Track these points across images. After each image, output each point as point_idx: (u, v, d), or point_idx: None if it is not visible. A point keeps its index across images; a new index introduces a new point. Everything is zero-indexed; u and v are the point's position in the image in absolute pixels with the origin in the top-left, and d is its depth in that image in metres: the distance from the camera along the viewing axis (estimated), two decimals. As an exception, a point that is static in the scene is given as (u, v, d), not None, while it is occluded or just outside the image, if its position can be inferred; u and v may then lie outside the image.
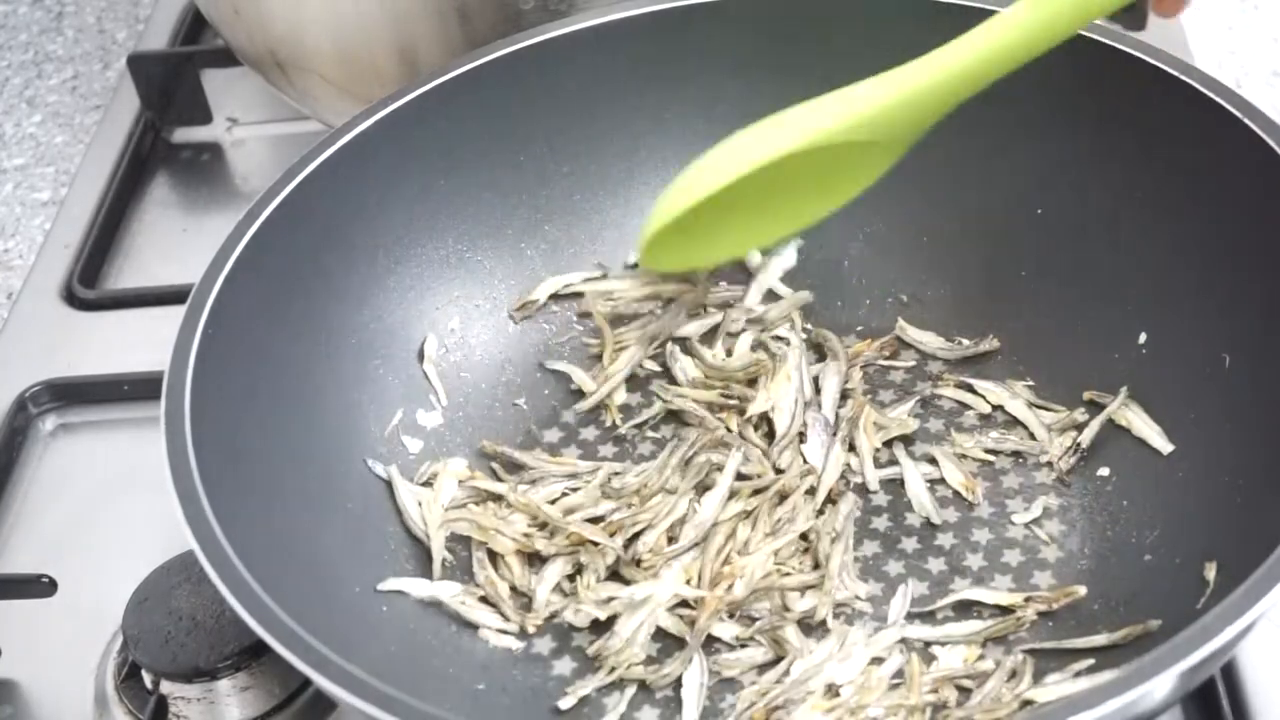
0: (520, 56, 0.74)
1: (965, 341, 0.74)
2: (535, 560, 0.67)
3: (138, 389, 0.80)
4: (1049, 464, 0.69)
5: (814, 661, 0.62)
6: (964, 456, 0.70)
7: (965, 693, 0.60)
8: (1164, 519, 0.65)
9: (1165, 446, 0.67)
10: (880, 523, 0.68)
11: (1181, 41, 0.94)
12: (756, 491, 0.68)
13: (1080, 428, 0.69)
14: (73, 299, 0.88)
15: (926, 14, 0.72)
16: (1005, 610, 0.64)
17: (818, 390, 0.72)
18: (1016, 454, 0.70)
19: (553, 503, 0.68)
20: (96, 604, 0.70)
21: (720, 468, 0.69)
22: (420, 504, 0.69)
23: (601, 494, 0.68)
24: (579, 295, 0.77)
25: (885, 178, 0.74)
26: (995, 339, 0.73)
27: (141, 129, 0.99)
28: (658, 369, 0.75)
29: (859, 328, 0.76)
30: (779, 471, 0.69)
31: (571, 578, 0.66)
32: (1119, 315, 0.70)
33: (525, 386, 0.75)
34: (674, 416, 0.73)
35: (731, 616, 0.64)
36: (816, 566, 0.66)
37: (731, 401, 0.72)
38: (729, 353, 0.75)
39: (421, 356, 0.73)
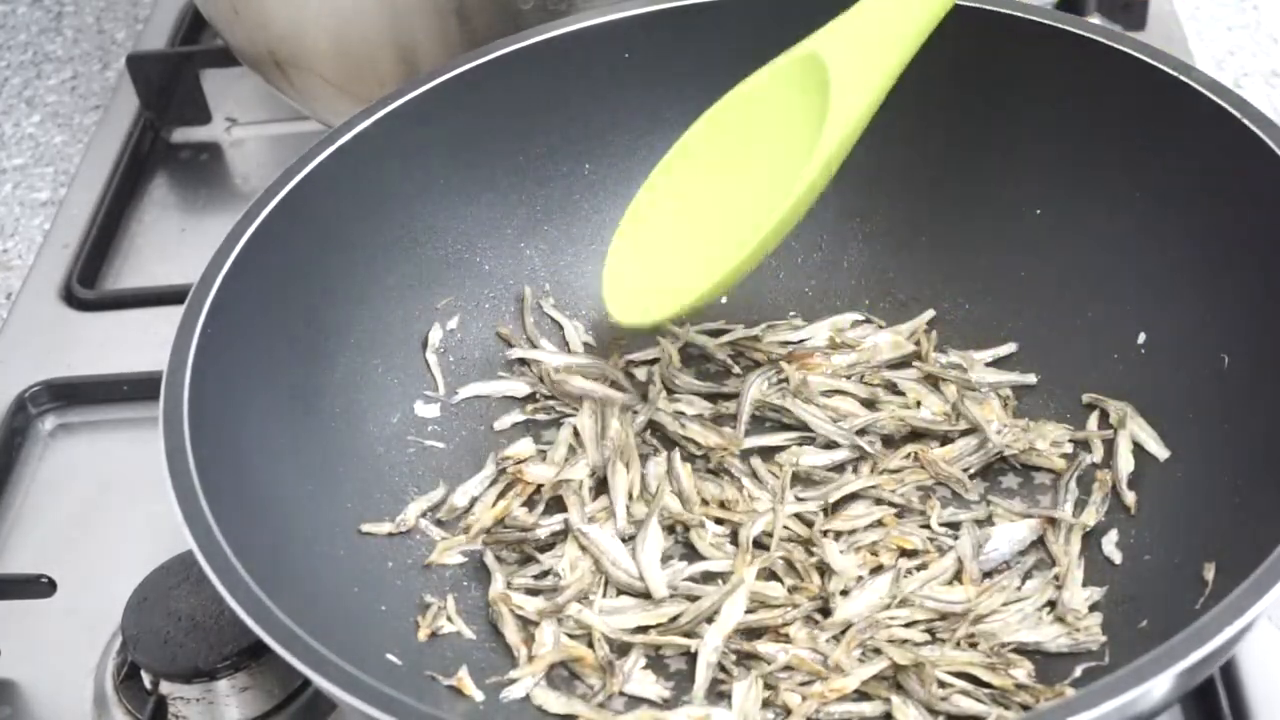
0: (520, 56, 0.73)
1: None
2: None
3: (137, 389, 0.80)
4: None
5: None
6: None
7: None
8: (1163, 519, 0.65)
9: (1162, 453, 0.67)
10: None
11: (1181, 41, 0.94)
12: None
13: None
14: (72, 299, 0.88)
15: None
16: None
17: None
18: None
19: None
20: (96, 604, 0.70)
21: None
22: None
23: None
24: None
25: (884, 177, 0.74)
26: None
27: (140, 129, 0.99)
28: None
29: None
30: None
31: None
32: (1118, 315, 0.70)
33: (524, 386, 0.75)
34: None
35: None
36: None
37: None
38: None
39: (425, 345, 0.73)
